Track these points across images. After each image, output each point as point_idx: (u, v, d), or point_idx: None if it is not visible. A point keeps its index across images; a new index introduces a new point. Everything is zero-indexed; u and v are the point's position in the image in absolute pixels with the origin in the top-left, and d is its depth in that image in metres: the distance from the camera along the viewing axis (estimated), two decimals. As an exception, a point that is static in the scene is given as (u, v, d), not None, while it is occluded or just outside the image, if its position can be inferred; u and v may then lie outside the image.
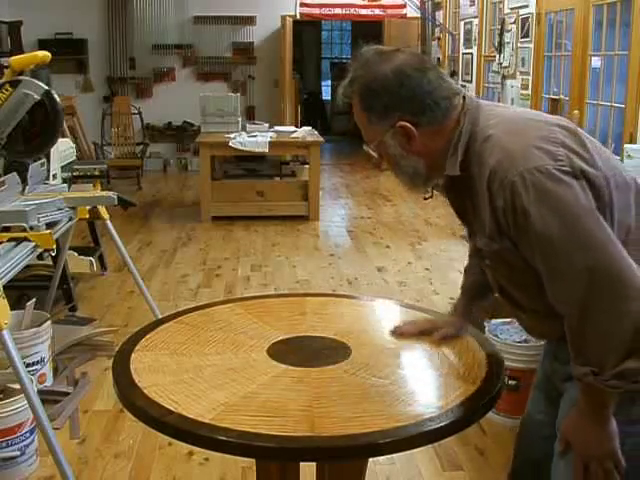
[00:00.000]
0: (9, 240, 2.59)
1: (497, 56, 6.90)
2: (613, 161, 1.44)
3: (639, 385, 1.29)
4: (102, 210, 3.41)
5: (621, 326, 1.26)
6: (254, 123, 7.78)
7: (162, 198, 8.01)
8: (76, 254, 4.42)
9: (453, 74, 8.63)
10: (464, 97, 1.48)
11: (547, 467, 1.52)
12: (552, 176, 1.28)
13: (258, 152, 6.64)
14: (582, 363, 1.32)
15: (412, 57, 1.47)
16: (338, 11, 9.80)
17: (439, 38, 9.22)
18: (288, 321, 1.93)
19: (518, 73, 6.45)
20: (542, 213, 1.28)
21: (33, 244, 2.62)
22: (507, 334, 2.98)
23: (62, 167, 3.50)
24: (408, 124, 1.42)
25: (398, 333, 1.81)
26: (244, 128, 7.28)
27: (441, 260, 5.42)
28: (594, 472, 1.37)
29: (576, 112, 4.95)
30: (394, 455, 2.61)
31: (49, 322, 3.14)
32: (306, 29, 13.28)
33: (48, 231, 2.71)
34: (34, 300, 3.16)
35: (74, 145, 4.14)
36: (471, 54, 7.91)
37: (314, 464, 1.82)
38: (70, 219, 3.10)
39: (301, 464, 1.68)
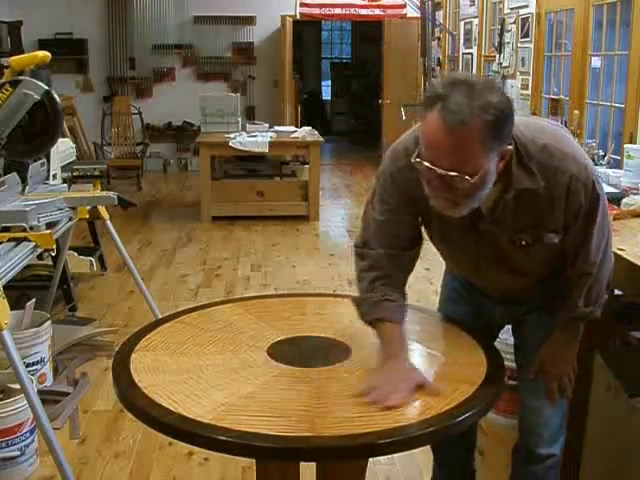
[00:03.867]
0: (9, 240, 2.58)
1: (497, 56, 6.89)
2: None
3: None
4: (102, 210, 3.41)
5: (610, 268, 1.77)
6: (254, 123, 7.78)
7: (162, 198, 8.00)
8: (76, 254, 4.42)
9: (453, 74, 8.62)
10: None
11: None
12: (600, 181, 1.69)
13: (258, 152, 6.64)
14: (586, 305, 1.74)
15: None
16: (338, 11, 9.80)
17: (439, 38, 9.21)
18: (288, 321, 1.93)
19: (518, 73, 6.45)
20: (603, 206, 1.68)
21: (33, 244, 2.62)
22: (507, 334, 2.97)
23: (62, 167, 3.50)
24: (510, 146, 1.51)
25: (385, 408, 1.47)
26: (244, 128, 7.28)
27: (441, 260, 5.40)
28: (564, 384, 1.81)
29: (576, 112, 4.94)
30: (394, 455, 2.61)
31: (49, 322, 3.14)
32: (306, 29, 13.27)
33: (48, 231, 2.70)
34: (34, 300, 3.16)
35: (74, 145, 4.14)
36: (471, 54, 7.91)
37: (314, 464, 1.82)
38: (70, 219, 3.10)
39: (301, 464, 1.68)
